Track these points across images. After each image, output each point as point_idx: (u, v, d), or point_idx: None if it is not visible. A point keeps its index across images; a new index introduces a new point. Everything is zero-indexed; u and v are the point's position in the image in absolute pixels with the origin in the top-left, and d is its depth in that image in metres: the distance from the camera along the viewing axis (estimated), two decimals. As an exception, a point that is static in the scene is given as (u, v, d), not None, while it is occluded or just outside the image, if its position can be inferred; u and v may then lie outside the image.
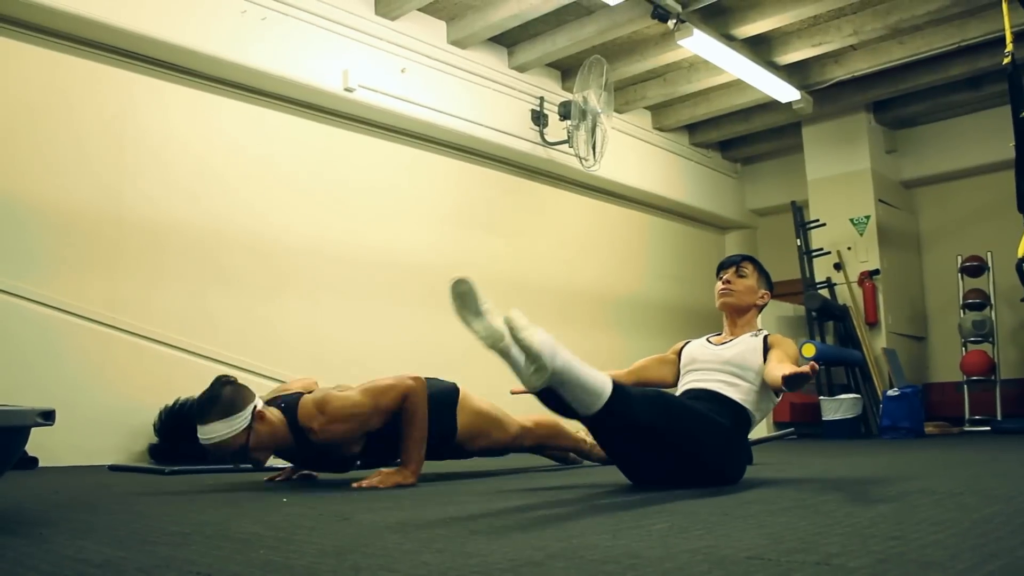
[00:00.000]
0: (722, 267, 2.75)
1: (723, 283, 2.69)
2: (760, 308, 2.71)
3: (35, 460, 3.73)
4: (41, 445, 3.37)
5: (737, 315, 2.68)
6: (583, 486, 2.46)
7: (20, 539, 1.44)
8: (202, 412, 2.50)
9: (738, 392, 2.46)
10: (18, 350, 4.04)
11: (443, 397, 2.96)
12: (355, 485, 2.54)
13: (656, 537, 1.36)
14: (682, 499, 1.96)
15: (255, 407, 2.55)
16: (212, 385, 2.56)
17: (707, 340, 2.70)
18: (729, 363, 2.51)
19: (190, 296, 4.72)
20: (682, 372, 2.66)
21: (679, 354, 2.72)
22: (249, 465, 2.61)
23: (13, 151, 4.22)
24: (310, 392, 2.76)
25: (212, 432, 2.46)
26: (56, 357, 4.14)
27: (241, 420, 2.48)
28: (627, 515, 1.70)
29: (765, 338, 2.56)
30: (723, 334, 2.71)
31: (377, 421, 2.66)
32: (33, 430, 1.75)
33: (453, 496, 2.19)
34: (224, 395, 2.50)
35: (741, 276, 2.67)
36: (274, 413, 2.61)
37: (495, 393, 3.02)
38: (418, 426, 2.65)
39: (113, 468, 3.76)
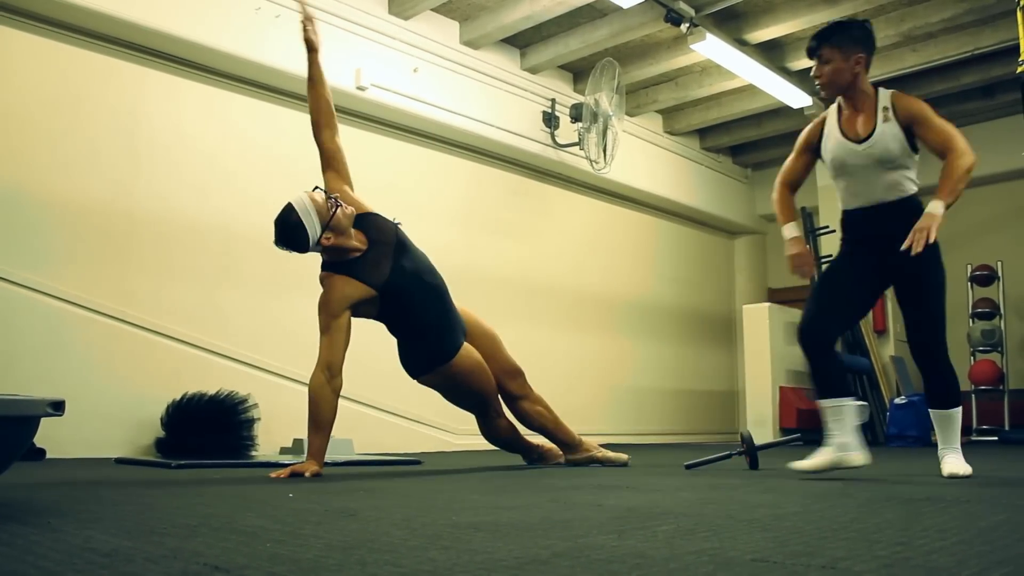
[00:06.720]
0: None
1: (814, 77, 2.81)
2: (859, 73, 2.75)
3: (43, 451, 3.75)
4: (49, 436, 3.39)
5: (843, 93, 2.79)
6: (588, 487, 2.46)
7: (29, 528, 1.45)
8: None
9: (900, 185, 2.74)
10: (28, 342, 4.06)
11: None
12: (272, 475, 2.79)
13: (662, 538, 1.36)
14: (688, 503, 1.96)
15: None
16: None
17: (841, 132, 2.80)
18: (880, 161, 2.72)
19: (200, 291, 4.74)
20: (833, 174, 2.88)
21: (815, 149, 2.93)
22: None
23: (26, 145, 4.24)
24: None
25: None
26: (66, 350, 4.17)
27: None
28: (633, 516, 1.70)
29: (894, 108, 2.70)
30: (846, 114, 2.80)
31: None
32: (42, 421, 1.76)
33: (458, 494, 2.20)
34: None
35: (825, 63, 2.75)
36: None
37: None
38: (312, 418, 2.88)
39: (119, 461, 3.77)
